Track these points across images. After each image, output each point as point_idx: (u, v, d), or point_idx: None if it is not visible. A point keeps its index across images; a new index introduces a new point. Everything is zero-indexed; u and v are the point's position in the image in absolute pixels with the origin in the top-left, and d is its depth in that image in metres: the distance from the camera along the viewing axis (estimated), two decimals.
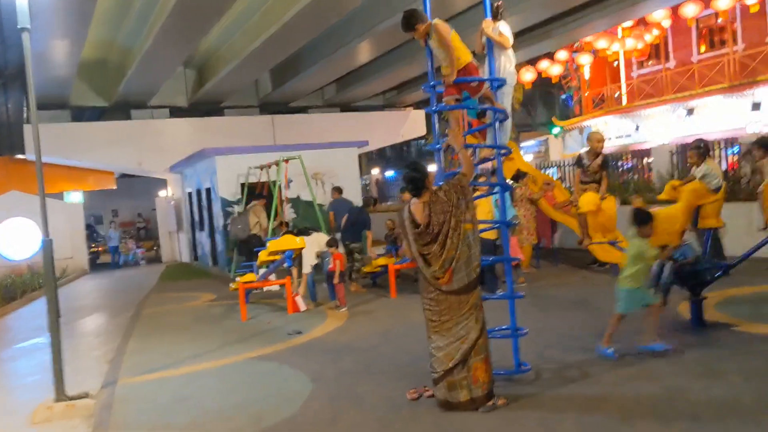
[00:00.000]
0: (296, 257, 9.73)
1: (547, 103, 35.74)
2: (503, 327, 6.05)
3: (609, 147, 24.63)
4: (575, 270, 11.79)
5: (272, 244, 8.92)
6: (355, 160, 18.14)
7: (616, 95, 29.53)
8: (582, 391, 5.27)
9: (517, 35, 20.59)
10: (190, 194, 20.68)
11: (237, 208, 15.29)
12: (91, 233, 27.83)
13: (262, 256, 9.66)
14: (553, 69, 25.93)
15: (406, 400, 5.40)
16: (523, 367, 5.76)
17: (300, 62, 20.84)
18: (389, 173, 40.14)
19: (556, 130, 29.94)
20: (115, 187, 26.66)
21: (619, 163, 21.66)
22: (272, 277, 10.89)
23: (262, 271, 10.72)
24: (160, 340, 9.11)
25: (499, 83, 5.95)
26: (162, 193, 25.64)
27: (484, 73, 6.05)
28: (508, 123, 6.26)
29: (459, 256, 4.93)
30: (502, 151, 6.09)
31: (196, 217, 19.95)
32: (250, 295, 10.92)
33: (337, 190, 13.43)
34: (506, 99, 6.20)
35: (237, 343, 8.39)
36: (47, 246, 6.20)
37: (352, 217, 11.87)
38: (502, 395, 5.12)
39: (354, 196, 16.28)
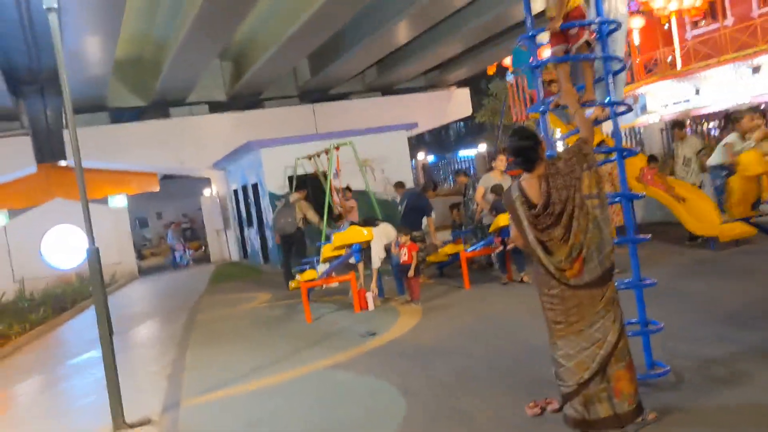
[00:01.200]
0: (364, 250, 8.88)
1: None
2: (631, 321, 5.08)
3: (668, 114, 23.28)
4: (668, 247, 10.57)
5: (338, 238, 8.07)
6: (405, 144, 17.23)
7: (668, 59, 28.02)
8: (744, 397, 4.29)
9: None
10: (235, 191, 20.02)
11: (278, 204, 14.40)
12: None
13: (326, 251, 8.82)
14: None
15: (525, 416, 4.50)
16: (657, 368, 4.80)
17: (338, 46, 19.96)
18: (430, 158, 39.09)
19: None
20: (158, 189, 26.19)
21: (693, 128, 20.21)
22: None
23: (321, 267, 9.88)
24: (219, 350, 8.36)
25: (610, 28, 4.95)
26: (206, 192, 25.05)
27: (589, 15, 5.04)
28: (623, 76, 5.27)
29: (589, 241, 3.96)
30: (620, 109, 5.09)
31: (244, 214, 19.30)
32: (311, 293, 10.10)
33: (400, 185, 12.49)
34: (618, 47, 5.20)
35: (306, 349, 7.57)
36: (93, 255, 5.43)
37: (411, 202, 10.96)
38: (648, 408, 4.17)
39: (407, 182, 15.38)
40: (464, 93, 25.30)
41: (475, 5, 18.02)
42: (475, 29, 19.47)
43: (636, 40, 28.58)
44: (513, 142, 4.11)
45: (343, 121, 21.25)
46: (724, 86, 23.53)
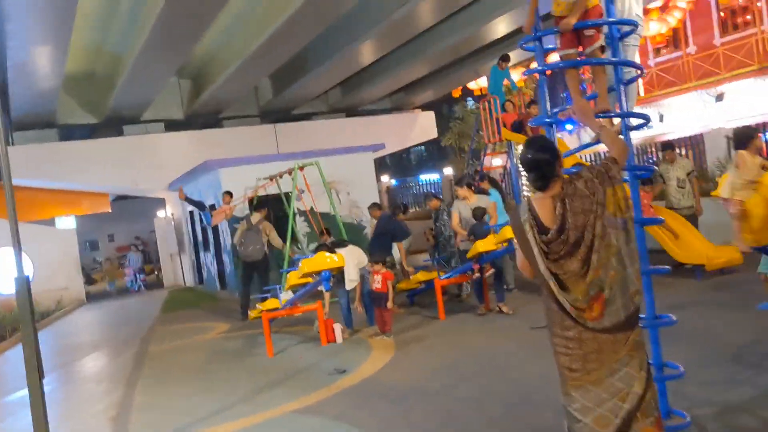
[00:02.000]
0: (334, 277, 8.20)
1: (553, 97, 34.38)
2: None
3: (632, 139, 23.19)
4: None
5: (306, 264, 7.33)
6: (371, 166, 16.64)
7: None
8: None
9: (512, 34, 19.31)
10: (191, 213, 19.11)
11: (237, 226, 13.50)
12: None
13: (292, 278, 8.08)
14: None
15: None
16: (676, 418, 4.20)
17: (302, 65, 19.35)
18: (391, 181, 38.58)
19: (569, 126, 28.45)
20: (110, 210, 25.05)
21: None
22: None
23: (284, 295, 9.13)
24: (172, 389, 7.54)
25: (623, 32, 4.42)
26: (161, 214, 24.00)
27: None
28: (635, 85, 4.75)
29: (611, 279, 3.33)
30: (635, 122, 4.55)
31: (200, 237, 18.39)
32: (272, 323, 9.32)
33: (376, 206, 11.82)
34: (631, 52, 4.68)
35: (269, 389, 6.82)
36: (22, 285, 4.63)
37: (381, 226, 10.31)
38: None
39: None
40: (429, 116, 24.88)
41: (442, 27, 17.66)
42: (442, 51, 19.11)
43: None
44: (528, 153, 3.45)
45: (306, 142, 20.58)
46: (688, 113, 23.61)
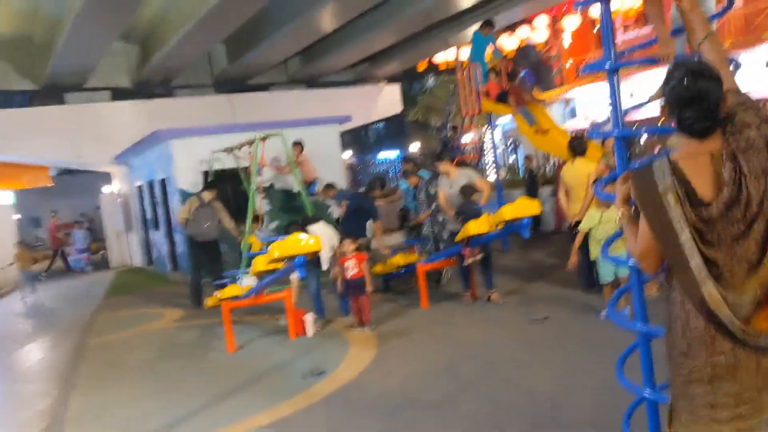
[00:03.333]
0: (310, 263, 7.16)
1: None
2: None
3: (603, 116, 22.52)
4: None
5: (278, 247, 6.19)
6: (336, 140, 15.53)
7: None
8: None
9: (483, 3, 18.33)
10: (140, 188, 17.73)
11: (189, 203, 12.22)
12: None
13: (260, 263, 6.94)
14: (536, 35, 23.60)
15: None
16: None
17: (259, 31, 18.00)
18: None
19: None
20: (51, 184, 23.36)
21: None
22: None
23: (246, 281, 8.01)
24: (114, 393, 6.41)
25: None
26: (106, 189, 22.42)
27: None
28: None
29: None
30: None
31: (149, 214, 17.04)
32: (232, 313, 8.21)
33: (330, 187, 10.95)
34: None
35: (232, 394, 5.75)
36: None
37: (354, 204, 9.22)
38: None
39: (338, 181, 13.75)
40: (394, 90, 23.74)
41: None
42: (408, 20, 17.93)
43: (566, 42, 27.98)
44: (686, 79, 2.28)
45: (264, 114, 19.26)
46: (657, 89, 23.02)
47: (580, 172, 7.33)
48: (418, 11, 17.11)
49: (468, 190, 7.80)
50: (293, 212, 14.15)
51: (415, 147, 25.38)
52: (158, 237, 16.48)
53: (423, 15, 17.51)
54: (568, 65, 27.66)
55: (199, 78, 20.87)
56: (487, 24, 11.92)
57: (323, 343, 7.14)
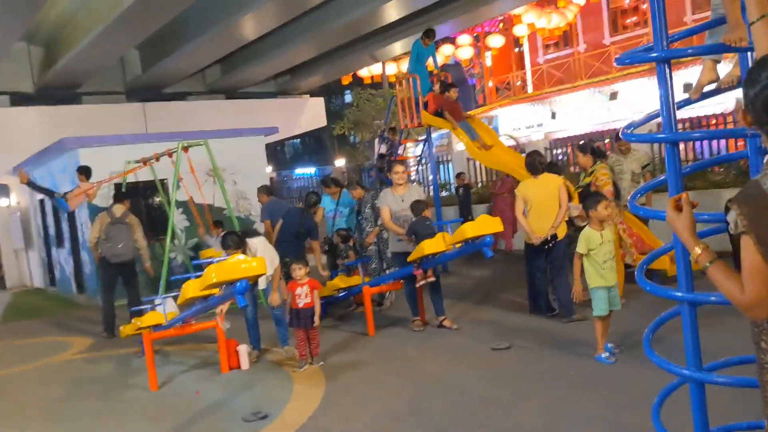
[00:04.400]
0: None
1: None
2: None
3: (521, 137, 22.58)
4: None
5: (216, 271, 5.22)
6: (262, 152, 14.64)
7: (518, 83, 27.77)
8: None
9: (410, 18, 18.05)
10: (41, 201, 16.21)
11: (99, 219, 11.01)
12: None
13: (191, 289, 5.92)
14: (463, 52, 23.51)
15: None
16: None
17: (176, 36, 16.94)
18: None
19: None
20: None
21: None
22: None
23: (169, 308, 7.06)
24: None
25: None
26: (3, 202, 20.57)
27: None
28: None
29: None
30: None
31: (52, 231, 15.57)
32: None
33: (266, 190, 10.08)
34: None
35: None
36: None
37: (291, 222, 8.42)
38: None
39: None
40: (318, 103, 22.99)
41: (332, 5, 15.90)
42: (332, 32, 17.31)
43: (488, 61, 28.13)
44: None
45: (180, 124, 18.15)
46: (581, 111, 23.33)
47: (548, 187, 6.85)
48: (342, 24, 16.54)
49: (420, 206, 7.17)
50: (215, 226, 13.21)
51: (340, 162, 24.67)
52: (62, 255, 15.06)
53: (346, 28, 16.94)
54: (490, 84, 27.79)
55: (110, 85, 19.51)
56: (428, 34, 11.42)
57: (262, 378, 6.30)
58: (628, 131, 3.20)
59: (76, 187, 10.99)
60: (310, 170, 41.68)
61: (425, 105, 11.00)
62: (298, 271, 6.44)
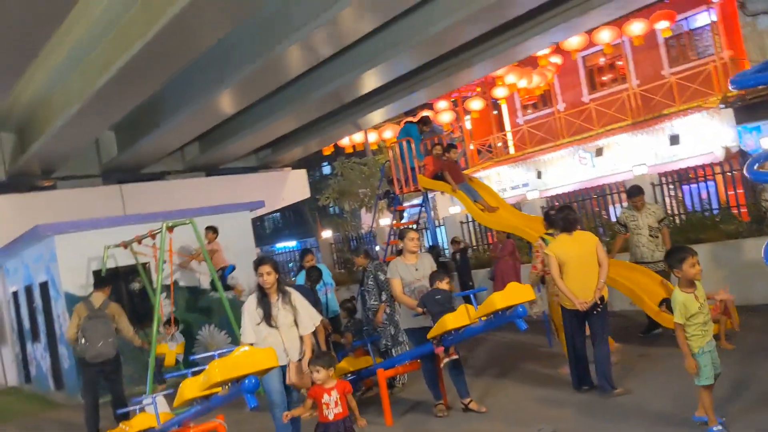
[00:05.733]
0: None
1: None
2: None
3: (508, 198, 22.21)
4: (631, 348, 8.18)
5: (220, 367, 4.39)
6: (249, 227, 14.01)
7: (499, 144, 27.61)
8: None
9: (389, 86, 17.82)
10: (15, 294, 15.27)
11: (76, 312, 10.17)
12: None
13: (190, 389, 5.05)
14: (442, 117, 23.35)
15: None
16: None
17: (152, 116, 16.48)
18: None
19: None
20: None
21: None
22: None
23: (161, 407, 6.24)
24: None
25: None
26: None
27: None
28: None
29: None
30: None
31: (26, 324, 14.58)
32: None
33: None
34: None
35: None
36: None
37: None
38: None
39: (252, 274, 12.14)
40: (301, 174, 22.56)
41: (311, 77, 15.59)
42: (313, 103, 16.99)
43: (468, 125, 28.04)
44: None
45: (159, 204, 17.44)
46: (566, 169, 23.12)
47: (585, 244, 6.24)
48: (323, 94, 16.22)
49: (438, 277, 6.51)
50: (200, 312, 12.43)
51: (326, 234, 24.04)
52: (38, 350, 14.05)
53: (328, 97, 16.62)
54: (471, 147, 27.59)
55: (86, 168, 18.92)
56: (426, 121, 11.21)
57: None
58: (756, 167, 2.62)
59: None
60: (291, 243, 40.97)
61: (420, 169, 10.52)
62: (318, 374, 5.06)
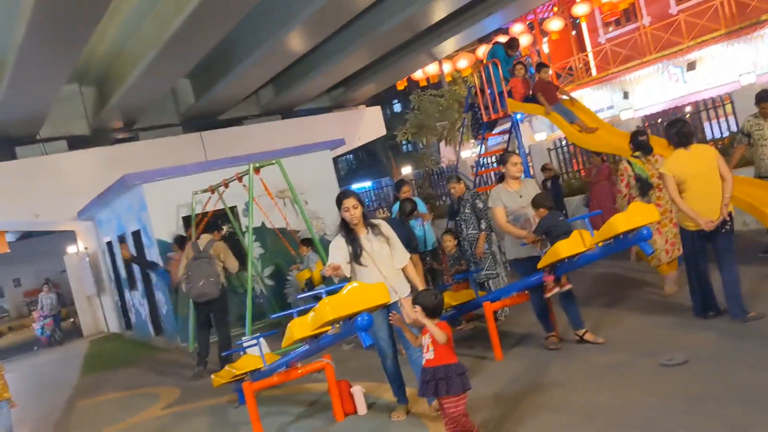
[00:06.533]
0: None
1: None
2: None
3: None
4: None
5: (332, 304, 4.18)
6: (330, 167, 13.79)
7: (580, 66, 26.31)
8: None
9: (460, 12, 17.00)
10: (109, 244, 15.69)
11: (173, 255, 10.57)
12: None
13: (299, 329, 4.88)
14: (520, 40, 22.25)
15: None
16: None
17: (225, 61, 16.34)
18: None
19: (518, 115, 26.38)
20: (8, 251, 21.15)
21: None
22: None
23: (264, 349, 6.14)
24: None
25: None
26: (71, 249, 20.26)
27: None
28: None
29: None
30: None
31: (123, 273, 15.00)
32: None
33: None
34: None
35: None
36: None
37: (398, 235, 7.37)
38: None
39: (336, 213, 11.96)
40: (376, 111, 22.13)
41: (378, 9, 15.00)
42: (386, 33, 16.40)
43: (546, 48, 26.81)
44: None
45: (240, 149, 17.43)
46: (655, 87, 21.81)
47: (704, 159, 5.65)
48: (393, 25, 15.65)
49: (543, 200, 6.06)
50: (289, 255, 12.38)
51: (407, 170, 23.68)
52: (136, 298, 14.45)
53: (399, 28, 16.02)
54: (550, 71, 26.42)
55: (165, 118, 19.05)
56: (512, 45, 10.55)
57: (387, 425, 5.26)
58: None
59: (171, 257, 10.67)
60: (366, 184, 40.82)
61: (509, 93, 9.93)
62: (413, 311, 4.25)
